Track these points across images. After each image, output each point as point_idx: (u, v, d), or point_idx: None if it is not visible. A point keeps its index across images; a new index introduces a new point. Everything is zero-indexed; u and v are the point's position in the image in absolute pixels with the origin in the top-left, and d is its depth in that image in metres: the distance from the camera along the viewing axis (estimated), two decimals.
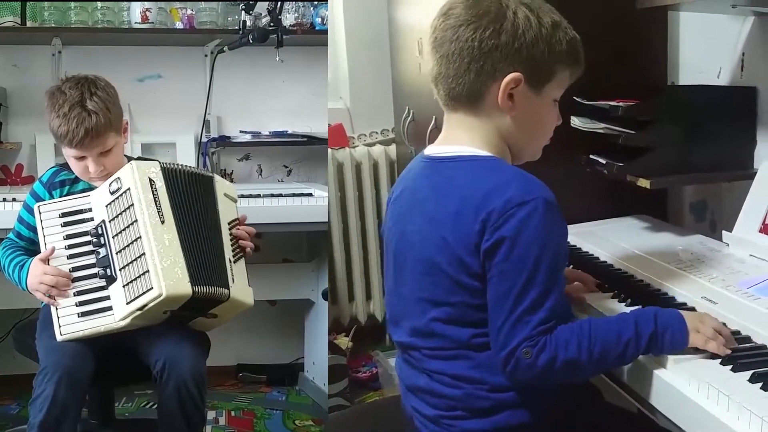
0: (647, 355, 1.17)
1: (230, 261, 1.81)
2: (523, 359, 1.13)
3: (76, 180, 1.85)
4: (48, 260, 1.71)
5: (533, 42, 1.20)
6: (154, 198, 1.71)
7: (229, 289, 1.77)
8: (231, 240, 1.85)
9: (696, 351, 1.16)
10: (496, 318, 1.16)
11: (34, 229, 1.79)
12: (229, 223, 1.86)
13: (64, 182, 1.85)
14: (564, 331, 1.14)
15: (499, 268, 1.15)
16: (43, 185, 1.85)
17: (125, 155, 2.00)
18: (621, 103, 1.73)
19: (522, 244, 1.13)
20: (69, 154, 1.79)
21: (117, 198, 1.71)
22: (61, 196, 1.83)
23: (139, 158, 1.95)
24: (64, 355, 1.63)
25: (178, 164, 1.84)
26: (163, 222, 1.70)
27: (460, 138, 1.26)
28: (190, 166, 1.87)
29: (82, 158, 1.78)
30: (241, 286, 1.82)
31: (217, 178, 1.89)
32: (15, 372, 2.59)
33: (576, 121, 1.85)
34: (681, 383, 1.11)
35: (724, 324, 1.21)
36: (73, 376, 1.62)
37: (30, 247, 1.83)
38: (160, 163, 1.79)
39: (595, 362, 1.14)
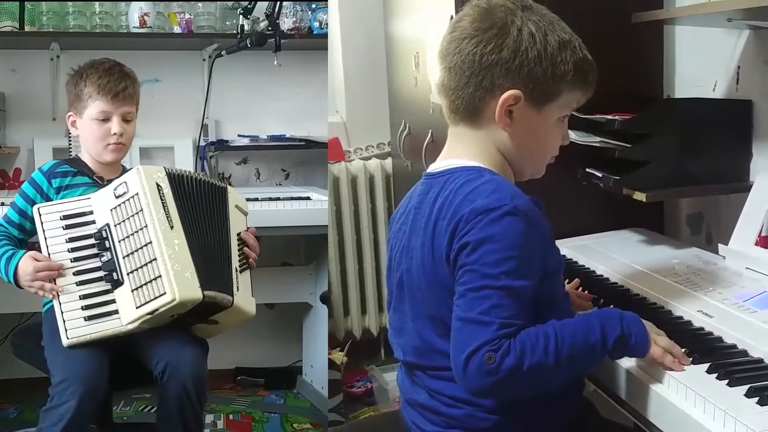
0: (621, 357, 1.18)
1: (236, 270, 1.83)
2: (486, 365, 1.06)
3: (77, 173, 1.85)
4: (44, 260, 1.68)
5: (535, 60, 1.18)
6: (163, 203, 1.73)
7: (233, 296, 1.79)
8: (239, 250, 1.87)
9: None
10: (454, 320, 1.12)
11: (25, 215, 1.79)
12: (237, 235, 1.88)
13: (66, 173, 1.84)
14: (528, 335, 1.09)
15: (461, 273, 1.13)
16: (42, 173, 1.84)
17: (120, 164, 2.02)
18: (617, 117, 1.74)
19: (483, 247, 1.11)
20: (97, 110, 1.81)
21: (124, 202, 1.71)
22: (61, 186, 1.82)
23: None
24: (84, 367, 1.63)
25: (183, 170, 1.86)
26: (172, 227, 1.71)
27: (458, 152, 1.26)
28: (200, 174, 1.89)
29: (106, 120, 1.82)
30: (244, 295, 1.84)
31: (230, 189, 1.91)
32: (12, 376, 2.59)
33: (572, 135, 1.85)
34: (677, 398, 1.11)
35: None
36: (97, 390, 1.62)
37: (20, 235, 1.81)
38: (165, 168, 1.81)
39: (563, 366, 1.10)
